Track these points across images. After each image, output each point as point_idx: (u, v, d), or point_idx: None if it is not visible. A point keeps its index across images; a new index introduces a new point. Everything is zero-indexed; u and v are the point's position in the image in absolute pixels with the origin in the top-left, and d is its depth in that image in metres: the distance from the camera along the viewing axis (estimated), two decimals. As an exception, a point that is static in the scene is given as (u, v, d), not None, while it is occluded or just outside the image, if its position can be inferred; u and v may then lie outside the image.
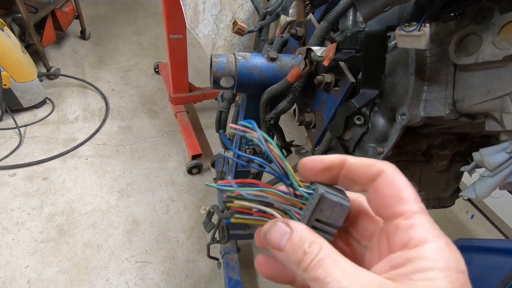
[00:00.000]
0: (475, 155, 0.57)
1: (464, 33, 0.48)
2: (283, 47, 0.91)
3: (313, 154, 0.73)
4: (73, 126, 2.09)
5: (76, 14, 2.71)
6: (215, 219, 1.50)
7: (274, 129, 0.81)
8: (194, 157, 1.90)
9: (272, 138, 0.89)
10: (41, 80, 2.17)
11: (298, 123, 0.79)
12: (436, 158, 0.82)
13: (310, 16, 0.76)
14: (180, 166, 1.99)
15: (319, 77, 0.66)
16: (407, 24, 0.44)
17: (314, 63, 0.64)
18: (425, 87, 0.57)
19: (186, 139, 1.98)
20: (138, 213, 1.70)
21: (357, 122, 0.61)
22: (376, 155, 0.68)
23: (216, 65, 0.69)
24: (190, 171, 1.93)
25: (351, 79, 0.60)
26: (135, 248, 1.56)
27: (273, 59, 0.71)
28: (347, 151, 0.77)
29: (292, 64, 0.71)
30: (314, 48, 0.60)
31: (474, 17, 0.46)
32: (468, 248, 1.39)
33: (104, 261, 1.48)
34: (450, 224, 2.01)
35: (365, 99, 0.55)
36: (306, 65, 0.63)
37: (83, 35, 2.84)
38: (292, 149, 0.91)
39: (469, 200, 2.23)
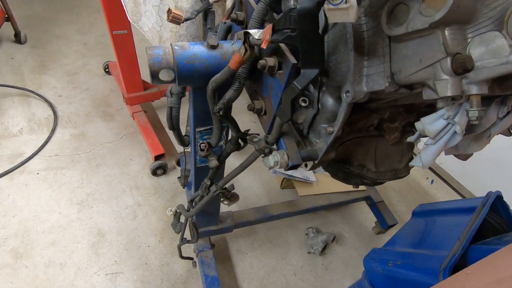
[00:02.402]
0: (417, 124, 0.58)
1: (393, 3, 0.48)
2: (227, 34, 0.87)
3: (266, 142, 0.72)
4: (18, 140, 1.91)
5: (6, 15, 2.44)
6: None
7: (226, 120, 0.78)
8: (157, 157, 1.82)
9: (227, 130, 0.87)
10: (-27, 93, 1.95)
11: (249, 109, 0.76)
12: (388, 131, 0.83)
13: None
14: (144, 168, 1.90)
15: (262, 62, 0.63)
16: (334, -3, 0.43)
17: (255, 47, 0.61)
18: (365, 62, 0.57)
19: (147, 139, 1.89)
20: (102, 223, 1.61)
21: (303, 104, 0.59)
22: (327, 135, 0.67)
23: (151, 58, 0.64)
24: (154, 173, 1.85)
25: (292, 60, 0.58)
26: (103, 260, 1.48)
27: (213, 47, 0.68)
28: (301, 134, 0.76)
29: (233, 50, 0.68)
30: (252, 31, 0.57)
31: (401, -14, 0.46)
32: (430, 212, 1.47)
33: (70, 279, 1.39)
34: (413, 191, 2.12)
35: (307, 80, 0.54)
36: (246, 50, 0.60)
37: (18, 39, 2.58)
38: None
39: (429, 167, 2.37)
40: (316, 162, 0.74)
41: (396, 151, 0.92)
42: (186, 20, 0.74)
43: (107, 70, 2.45)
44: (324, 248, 1.66)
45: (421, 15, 0.43)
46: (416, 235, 1.38)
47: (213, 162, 0.90)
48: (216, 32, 0.91)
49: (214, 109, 0.72)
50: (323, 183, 1.84)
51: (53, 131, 1.99)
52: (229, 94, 0.69)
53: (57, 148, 1.91)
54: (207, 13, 1.08)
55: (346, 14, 0.42)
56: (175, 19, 0.69)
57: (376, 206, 1.77)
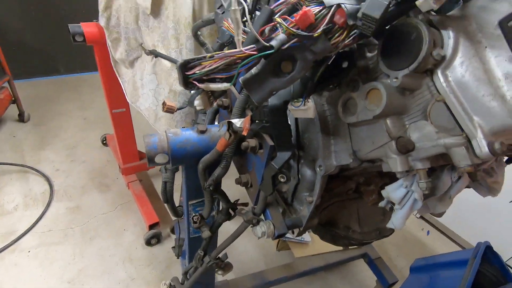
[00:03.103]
0: (383, 192, 0.66)
1: (345, 98, 0.60)
2: (215, 116, 0.99)
3: (253, 213, 0.78)
4: (13, 217, 1.91)
5: (13, 99, 2.64)
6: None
7: (216, 194, 0.85)
8: (151, 226, 1.83)
9: (218, 202, 0.93)
10: (-28, 173, 2.01)
11: (236, 183, 0.84)
12: (366, 194, 0.90)
13: (231, 87, 0.86)
14: (138, 238, 1.89)
15: (245, 143, 0.73)
16: (295, 100, 0.54)
17: (237, 132, 0.72)
18: (331, 141, 0.67)
19: (141, 208, 1.92)
20: (93, 302, 1.54)
21: (282, 180, 0.67)
22: (308, 205, 0.74)
23: (148, 146, 0.74)
24: (148, 242, 1.83)
25: (270, 142, 0.67)
26: None
27: (202, 132, 0.78)
28: (286, 203, 0.82)
29: (219, 134, 0.78)
30: (234, 120, 0.68)
31: (348, 86, 0.58)
32: (426, 267, 1.47)
33: None
34: (409, 243, 2.11)
35: (282, 160, 0.62)
36: (230, 135, 0.71)
37: (21, 118, 2.74)
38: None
39: (422, 217, 2.39)
40: (301, 229, 0.79)
41: (378, 210, 0.98)
42: (179, 109, 0.86)
43: (104, 142, 2.57)
44: (326, 314, 1.58)
45: (366, 109, 0.54)
46: (417, 294, 1.35)
47: (205, 233, 0.94)
48: (205, 113, 1.04)
49: (205, 185, 0.80)
50: (319, 243, 1.83)
51: (48, 205, 2.00)
52: (217, 171, 0.77)
53: (51, 223, 1.91)
54: (186, 105, 1.23)
55: (307, 113, 0.53)
56: (169, 110, 0.80)
57: (374, 264, 1.75)
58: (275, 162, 0.63)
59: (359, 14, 0.40)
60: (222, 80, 0.44)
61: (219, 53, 0.41)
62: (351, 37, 0.44)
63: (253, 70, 0.45)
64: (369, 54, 0.56)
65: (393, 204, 0.69)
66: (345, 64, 0.53)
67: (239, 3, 0.38)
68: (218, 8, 0.74)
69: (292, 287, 1.72)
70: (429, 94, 0.48)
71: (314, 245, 1.83)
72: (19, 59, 3.21)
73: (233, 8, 0.37)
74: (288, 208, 0.82)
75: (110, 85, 1.68)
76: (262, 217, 0.79)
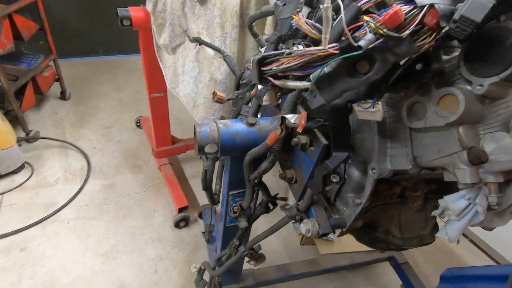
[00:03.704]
0: (441, 202, 0.63)
1: (411, 102, 0.57)
2: (259, 108, 0.99)
3: (297, 209, 0.77)
4: (54, 189, 2.04)
5: (57, 77, 2.78)
6: (207, 276, 1.46)
7: (258, 187, 0.85)
8: (180, 210, 1.88)
9: (257, 194, 0.93)
10: (20, 145, 2.15)
11: (281, 178, 0.84)
12: (411, 199, 0.87)
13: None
14: (167, 220, 1.96)
15: (295, 139, 0.72)
16: (363, 101, 0.52)
17: (289, 127, 0.71)
18: (388, 144, 0.65)
19: (172, 192, 1.98)
20: (124, 276, 1.63)
21: (334, 180, 0.66)
22: (354, 206, 0.73)
23: (200, 135, 0.75)
24: (177, 225, 1.89)
25: (324, 141, 0.66)
26: (123, 317, 1.46)
27: (252, 125, 0.78)
28: (328, 201, 0.82)
29: (270, 127, 0.78)
30: (288, 116, 0.68)
31: (417, 90, 0.55)
32: (459, 277, 1.42)
33: (89, 336, 1.38)
34: (438, 251, 2.04)
35: (338, 161, 0.61)
36: (282, 130, 0.70)
37: (63, 96, 2.89)
38: (278, 202, 0.94)
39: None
40: (344, 230, 0.78)
41: (420, 217, 0.95)
42: (228, 100, 0.87)
43: (138, 124, 2.66)
44: (348, 313, 1.58)
45: (437, 115, 0.52)
46: (447, 305, 1.31)
47: (243, 223, 0.95)
48: (247, 104, 1.04)
49: (249, 177, 0.81)
50: (345, 242, 1.82)
51: (85, 181, 2.12)
52: (264, 165, 0.77)
53: (88, 198, 2.02)
54: (239, 84, 1.23)
55: (374, 115, 0.51)
56: (219, 100, 0.81)
57: (400, 268, 1.71)
58: (331, 162, 0.62)
59: (456, 16, 0.37)
60: (296, 78, 0.44)
61: (299, 50, 0.40)
62: (436, 39, 0.42)
63: (326, 69, 0.44)
64: (444, 57, 0.53)
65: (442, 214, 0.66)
66: (419, 67, 0.50)
67: (333, 0, 0.37)
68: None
69: (314, 283, 1.73)
70: (515, 104, 0.45)
71: (340, 244, 1.81)
72: (63, 40, 3.35)
73: (325, 5, 0.36)
74: (330, 207, 0.81)
75: (151, 70, 1.72)
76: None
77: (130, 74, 3.51)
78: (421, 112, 0.56)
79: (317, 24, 0.50)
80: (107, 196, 2.05)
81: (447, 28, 0.40)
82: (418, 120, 0.56)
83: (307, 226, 0.72)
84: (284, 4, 0.68)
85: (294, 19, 0.50)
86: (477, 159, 0.49)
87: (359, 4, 0.40)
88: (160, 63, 1.61)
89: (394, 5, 0.38)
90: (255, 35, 0.80)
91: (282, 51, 0.42)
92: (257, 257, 1.02)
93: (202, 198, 2.13)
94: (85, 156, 2.31)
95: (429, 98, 0.53)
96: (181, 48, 1.51)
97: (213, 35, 1.30)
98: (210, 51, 1.33)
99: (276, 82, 0.42)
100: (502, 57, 0.42)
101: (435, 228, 0.98)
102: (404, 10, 0.38)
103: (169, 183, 2.04)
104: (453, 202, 0.60)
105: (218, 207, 1.39)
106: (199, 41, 1.33)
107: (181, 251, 1.80)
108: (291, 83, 0.42)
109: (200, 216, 1.96)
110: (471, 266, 1.79)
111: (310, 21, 0.49)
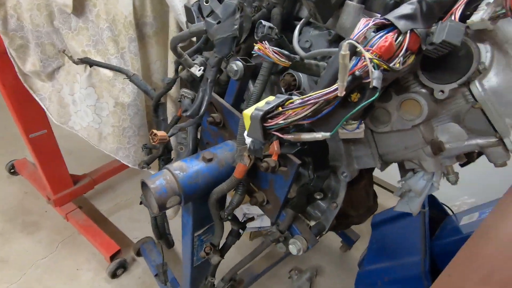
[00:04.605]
0: (404, 185, 0.71)
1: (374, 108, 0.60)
2: (197, 131, 0.88)
3: (279, 231, 0.75)
4: None
5: None
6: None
7: (231, 221, 0.78)
8: (112, 257, 1.60)
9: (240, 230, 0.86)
10: None
11: (252, 204, 0.79)
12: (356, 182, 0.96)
13: (224, 102, 0.77)
14: (99, 273, 1.64)
15: (264, 164, 0.67)
16: (347, 123, 0.52)
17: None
18: (352, 147, 0.68)
19: (93, 239, 1.65)
20: None
21: (318, 197, 0.66)
22: (331, 210, 0.75)
23: (156, 191, 0.62)
24: (114, 275, 1.61)
25: (297, 161, 0.64)
26: None
27: (210, 160, 0.69)
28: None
29: (230, 156, 0.71)
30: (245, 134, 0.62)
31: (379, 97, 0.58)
32: (385, 220, 1.70)
33: None
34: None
35: (323, 180, 0.61)
36: (250, 160, 0.64)
37: None
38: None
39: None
40: (324, 233, 0.81)
41: (364, 193, 1.07)
42: (170, 136, 0.74)
43: (12, 171, 2.06)
44: (310, 286, 1.72)
45: (402, 119, 0.56)
46: (385, 246, 1.57)
47: (215, 259, 0.87)
48: (168, 123, 0.91)
49: (221, 215, 0.73)
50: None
51: (-43, 270, 1.54)
52: (236, 198, 0.71)
53: (-29, 291, 1.49)
54: (157, 106, 1.08)
55: (357, 135, 0.51)
56: (162, 141, 0.68)
57: (339, 228, 1.94)
58: (315, 184, 0.61)
59: (437, 40, 0.39)
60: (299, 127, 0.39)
61: (308, 96, 0.36)
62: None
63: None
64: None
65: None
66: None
67: (350, 47, 0.33)
68: (208, 16, 0.64)
69: (274, 271, 1.79)
70: (463, 101, 0.52)
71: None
72: None
73: (343, 53, 0.32)
74: (304, 215, 0.82)
75: (21, 105, 1.32)
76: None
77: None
78: (384, 117, 0.59)
79: (285, 52, 0.46)
80: (1, 278, 1.55)
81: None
82: (382, 124, 0.60)
83: (297, 246, 0.71)
84: (219, 22, 0.60)
85: (258, 48, 0.45)
86: (438, 149, 0.56)
87: (354, 38, 0.37)
88: (34, 95, 1.25)
89: (386, 36, 0.37)
90: (180, 55, 0.69)
91: (282, 99, 0.36)
92: (237, 284, 0.97)
93: (133, 232, 1.86)
94: None
95: (391, 104, 0.57)
96: (62, 73, 1.20)
97: (105, 53, 1.08)
98: (107, 72, 1.10)
99: (287, 136, 0.37)
100: (457, 66, 0.47)
101: (375, 195, 1.12)
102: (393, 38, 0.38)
103: (85, 230, 1.69)
104: (415, 183, 0.69)
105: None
106: (88, 62, 1.07)
107: (129, 302, 1.55)
108: (308, 136, 0.37)
109: (138, 253, 1.72)
110: (390, 209, 2.17)
111: (277, 49, 0.45)
